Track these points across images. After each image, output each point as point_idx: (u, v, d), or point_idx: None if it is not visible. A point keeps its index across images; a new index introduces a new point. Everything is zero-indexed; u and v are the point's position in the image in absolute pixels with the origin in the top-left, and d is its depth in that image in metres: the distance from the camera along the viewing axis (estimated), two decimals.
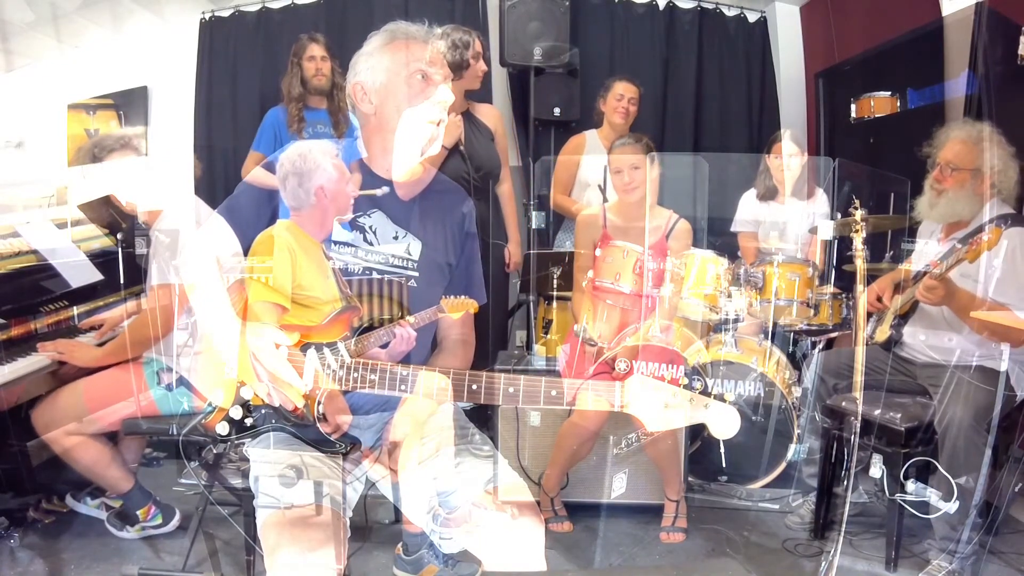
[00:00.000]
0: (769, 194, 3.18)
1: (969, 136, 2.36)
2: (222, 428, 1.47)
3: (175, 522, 2.46)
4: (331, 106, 3.17)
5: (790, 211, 3.15)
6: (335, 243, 1.58)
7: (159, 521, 2.45)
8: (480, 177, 2.88)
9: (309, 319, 1.49)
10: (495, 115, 3.12)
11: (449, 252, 1.69)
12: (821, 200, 3.19)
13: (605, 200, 3.17)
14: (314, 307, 1.50)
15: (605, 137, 3.35)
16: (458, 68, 2.78)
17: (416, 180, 1.64)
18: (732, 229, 3.27)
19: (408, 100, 1.53)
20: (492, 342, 2.98)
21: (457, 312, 1.63)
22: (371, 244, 1.60)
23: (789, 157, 3.09)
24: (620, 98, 3.30)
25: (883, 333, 2.52)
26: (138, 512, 2.42)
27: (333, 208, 1.56)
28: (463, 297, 1.65)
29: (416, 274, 1.62)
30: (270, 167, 1.61)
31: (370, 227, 1.61)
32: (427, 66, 1.53)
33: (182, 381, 2.17)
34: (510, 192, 3.20)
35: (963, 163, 2.33)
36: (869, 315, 2.57)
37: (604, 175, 3.23)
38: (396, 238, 1.62)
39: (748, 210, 3.24)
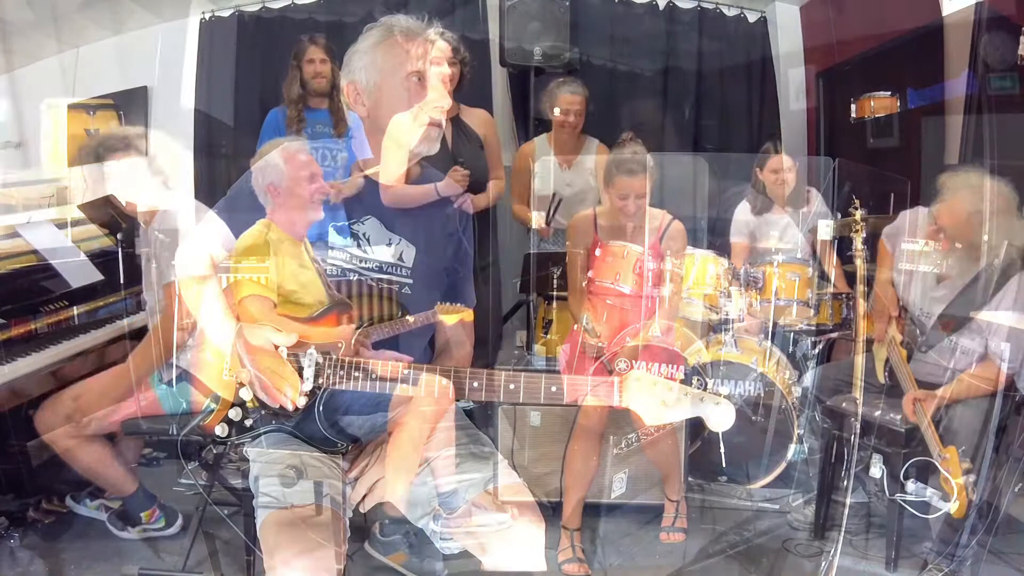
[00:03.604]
0: (764, 207, 3.17)
1: (970, 205, 2.22)
2: (221, 430, 1.47)
3: (177, 525, 2.46)
4: (331, 106, 3.17)
5: (788, 220, 3.14)
6: (329, 248, 1.58)
7: (162, 524, 2.44)
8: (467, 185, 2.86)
9: (297, 315, 1.49)
10: (486, 121, 3.09)
11: (446, 256, 1.67)
12: (817, 202, 3.19)
13: (549, 223, 3.13)
14: (298, 303, 1.51)
15: (552, 142, 3.30)
16: None
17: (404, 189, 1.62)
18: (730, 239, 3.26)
19: (403, 103, 1.49)
20: (492, 342, 2.98)
21: (451, 318, 1.63)
22: (364, 251, 1.59)
23: (786, 172, 3.08)
24: (566, 112, 3.20)
25: (880, 371, 2.52)
26: (142, 515, 2.42)
27: (293, 204, 1.54)
28: (458, 304, 1.65)
29: (410, 281, 1.61)
30: None
31: (363, 234, 1.59)
32: (423, 66, 1.48)
33: (182, 377, 2.17)
34: (498, 188, 3.13)
35: (959, 235, 2.25)
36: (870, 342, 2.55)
37: (551, 204, 3.18)
38: (389, 244, 1.60)
39: (743, 224, 3.23)
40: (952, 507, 2.05)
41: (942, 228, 2.29)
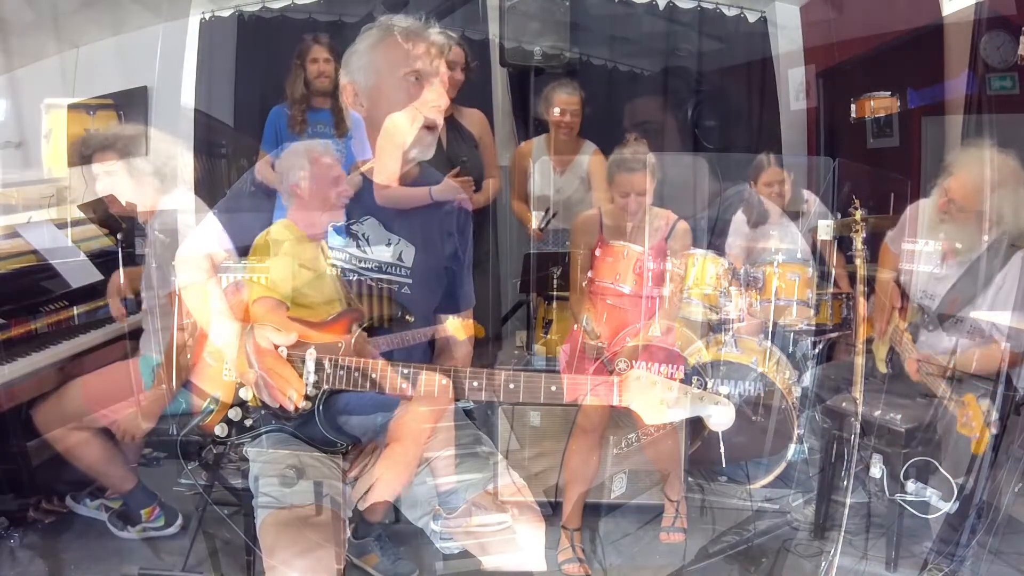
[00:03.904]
0: (761, 219, 3.16)
1: (980, 176, 2.22)
2: (220, 430, 1.47)
3: (177, 525, 2.46)
4: (334, 105, 3.17)
5: (786, 221, 3.14)
6: (329, 249, 1.59)
7: (161, 523, 2.45)
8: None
9: (309, 318, 1.50)
10: (480, 121, 3.12)
11: (445, 255, 1.68)
12: (815, 206, 3.18)
13: (545, 225, 3.15)
14: (311, 307, 1.51)
15: (550, 144, 3.33)
16: None
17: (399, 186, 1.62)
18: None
19: (401, 103, 1.49)
20: (492, 342, 2.99)
21: (460, 332, 1.66)
22: (363, 251, 1.59)
23: (781, 184, 3.08)
24: (563, 113, 3.23)
25: (881, 364, 2.52)
26: (141, 512, 2.42)
27: (315, 205, 1.56)
28: (470, 321, 1.68)
29: (409, 280, 1.61)
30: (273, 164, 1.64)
31: (362, 234, 1.59)
32: (421, 65, 1.48)
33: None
34: (494, 187, 3.17)
35: (969, 204, 2.25)
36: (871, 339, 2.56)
37: (545, 216, 3.21)
38: (388, 244, 1.60)
39: (740, 236, 3.22)
40: (973, 444, 2.08)
41: (952, 199, 2.28)
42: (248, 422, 1.47)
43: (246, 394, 1.46)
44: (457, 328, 1.64)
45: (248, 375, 1.42)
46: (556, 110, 3.22)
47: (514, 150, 3.76)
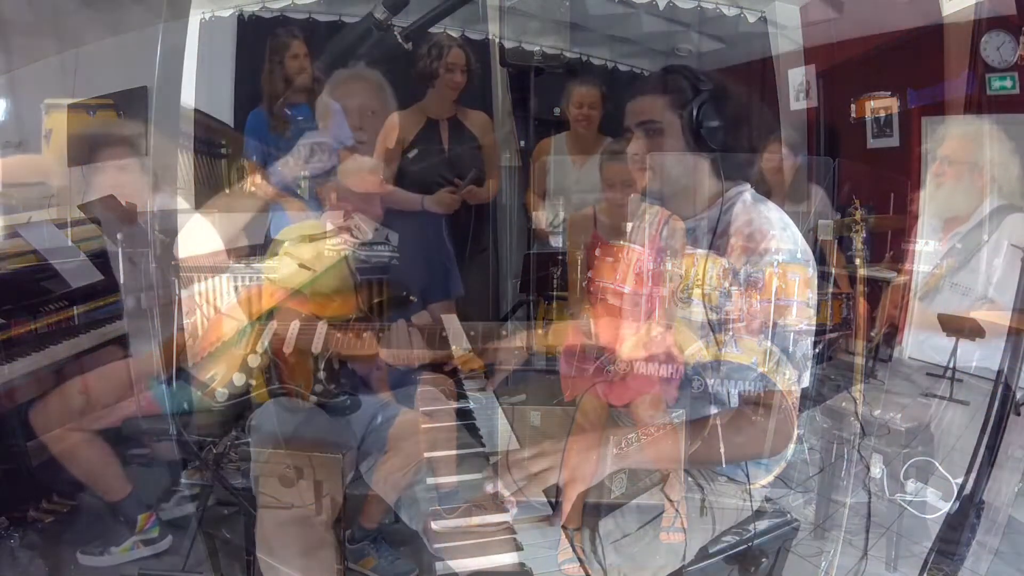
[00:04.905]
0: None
1: (967, 132, 2.39)
2: (221, 395, 1.52)
3: (167, 541, 2.44)
4: (310, 99, 3.15)
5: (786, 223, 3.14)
6: (328, 239, 1.85)
7: (156, 533, 2.42)
8: (464, 184, 2.90)
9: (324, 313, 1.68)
10: (483, 123, 3.16)
11: (427, 245, 2.10)
12: (818, 200, 3.18)
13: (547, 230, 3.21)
14: (321, 300, 1.75)
15: (570, 141, 3.36)
16: (429, 76, 2.86)
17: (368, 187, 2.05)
18: None
19: (338, 124, 2.01)
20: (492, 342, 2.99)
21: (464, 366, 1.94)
22: (356, 238, 1.94)
23: (783, 160, 3.08)
24: (580, 106, 3.28)
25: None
26: (139, 517, 2.41)
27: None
28: (474, 356, 1.93)
29: (397, 255, 1.98)
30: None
31: (355, 225, 1.96)
32: (348, 100, 2.05)
33: (181, 375, 2.16)
34: (493, 187, 3.21)
35: (959, 157, 2.36)
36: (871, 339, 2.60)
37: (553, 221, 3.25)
38: (377, 229, 2.00)
39: (741, 237, 3.21)
40: None
41: (943, 157, 2.41)
42: (253, 382, 1.53)
43: (254, 361, 1.52)
44: (466, 361, 1.79)
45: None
46: (573, 104, 3.26)
47: (514, 150, 3.77)
